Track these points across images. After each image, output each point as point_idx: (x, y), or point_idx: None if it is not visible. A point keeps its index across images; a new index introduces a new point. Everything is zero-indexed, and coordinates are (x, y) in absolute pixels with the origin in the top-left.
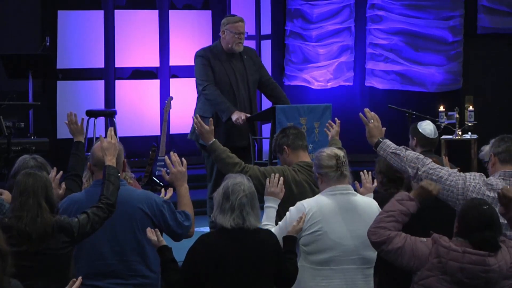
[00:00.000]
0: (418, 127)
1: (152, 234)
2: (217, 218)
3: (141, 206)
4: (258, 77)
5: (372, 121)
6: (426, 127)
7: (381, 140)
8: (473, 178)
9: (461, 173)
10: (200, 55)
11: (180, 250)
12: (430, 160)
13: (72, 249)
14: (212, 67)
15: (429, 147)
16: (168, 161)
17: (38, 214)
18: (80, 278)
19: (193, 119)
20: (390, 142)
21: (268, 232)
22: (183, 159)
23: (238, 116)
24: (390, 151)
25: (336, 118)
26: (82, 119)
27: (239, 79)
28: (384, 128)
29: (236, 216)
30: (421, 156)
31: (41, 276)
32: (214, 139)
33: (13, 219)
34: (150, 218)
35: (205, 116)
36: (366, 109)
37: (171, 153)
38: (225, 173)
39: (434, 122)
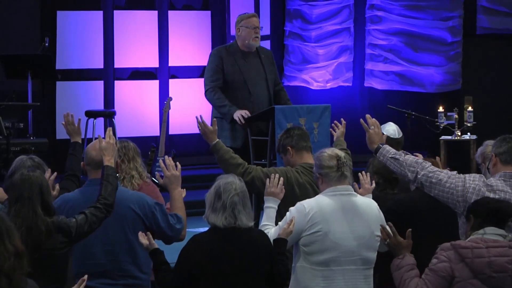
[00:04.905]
0: (381, 129)
1: (143, 237)
2: (209, 217)
3: (132, 207)
4: (274, 77)
5: (372, 127)
6: (389, 128)
7: (380, 146)
8: (473, 180)
9: (461, 174)
10: (213, 54)
11: (174, 251)
12: (429, 163)
13: (70, 249)
14: (224, 65)
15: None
16: (162, 164)
17: (33, 223)
18: (86, 276)
19: (197, 119)
20: (390, 148)
21: (260, 231)
22: (177, 163)
23: (238, 115)
24: (390, 156)
25: (342, 119)
26: (79, 120)
27: (256, 77)
28: (385, 135)
29: (228, 215)
30: (420, 160)
31: (38, 276)
32: (217, 139)
33: None
34: (142, 219)
35: (222, 117)
36: (368, 115)
37: (166, 157)
38: (228, 173)
39: (433, 122)
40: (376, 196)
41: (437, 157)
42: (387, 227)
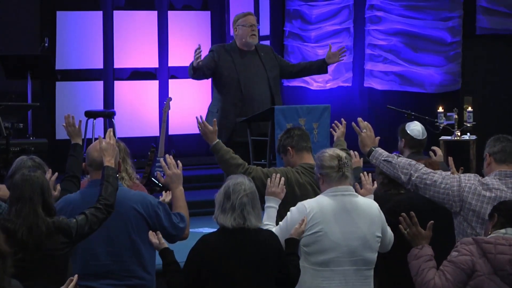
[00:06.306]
0: (406, 128)
1: (153, 237)
2: (218, 218)
3: (135, 207)
4: (278, 73)
5: (364, 130)
6: (415, 128)
7: (373, 149)
8: (468, 179)
9: (455, 174)
10: (211, 50)
11: (181, 251)
12: (423, 165)
13: (70, 250)
14: (220, 61)
15: (418, 148)
16: (163, 163)
17: (34, 223)
18: (76, 276)
19: (197, 119)
20: (382, 150)
21: (270, 232)
22: (178, 161)
23: (194, 59)
24: (382, 159)
25: (342, 119)
26: (80, 121)
27: (254, 76)
28: (378, 138)
29: (237, 216)
30: (413, 162)
31: (39, 277)
32: (217, 140)
33: (9, 224)
34: (145, 219)
35: (216, 112)
36: (359, 119)
37: (167, 156)
38: (228, 174)
39: (433, 123)
40: (381, 196)
41: (449, 157)
42: (406, 218)
